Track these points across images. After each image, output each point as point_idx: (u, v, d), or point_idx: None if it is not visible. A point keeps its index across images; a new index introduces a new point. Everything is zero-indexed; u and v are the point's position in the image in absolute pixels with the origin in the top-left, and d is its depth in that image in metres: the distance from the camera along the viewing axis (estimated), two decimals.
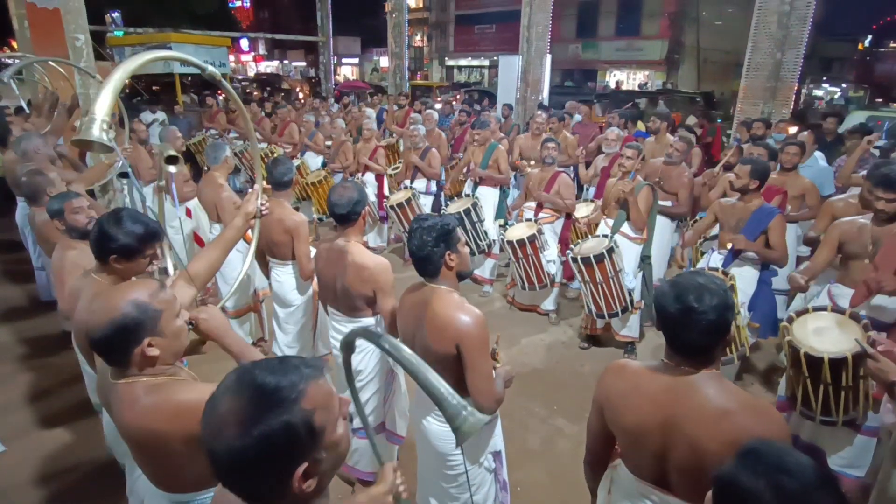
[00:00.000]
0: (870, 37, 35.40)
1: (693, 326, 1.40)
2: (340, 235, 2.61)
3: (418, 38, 35.53)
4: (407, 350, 1.11)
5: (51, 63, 5.06)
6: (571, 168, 6.54)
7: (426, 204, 5.95)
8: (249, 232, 2.36)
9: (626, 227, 4.23)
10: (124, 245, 1.98)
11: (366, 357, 2.60)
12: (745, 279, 3.59)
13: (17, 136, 4.49)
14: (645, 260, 4.36)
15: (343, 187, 2.55)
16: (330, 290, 2.66)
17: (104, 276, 2.06)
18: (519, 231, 4.65)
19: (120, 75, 1.54)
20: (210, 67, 1.78)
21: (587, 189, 6.12)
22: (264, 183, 2.51)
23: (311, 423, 0.85)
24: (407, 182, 6.03)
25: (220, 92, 12.93)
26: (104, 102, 1.46)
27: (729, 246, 3.59)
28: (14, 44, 21.48)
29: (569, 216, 4.96)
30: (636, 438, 1.53)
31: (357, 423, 2.61)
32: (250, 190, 2.24)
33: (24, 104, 6.06)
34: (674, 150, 4.75)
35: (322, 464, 0.88)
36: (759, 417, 1.37)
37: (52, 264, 2.74)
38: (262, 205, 2.18)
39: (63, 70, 5.09)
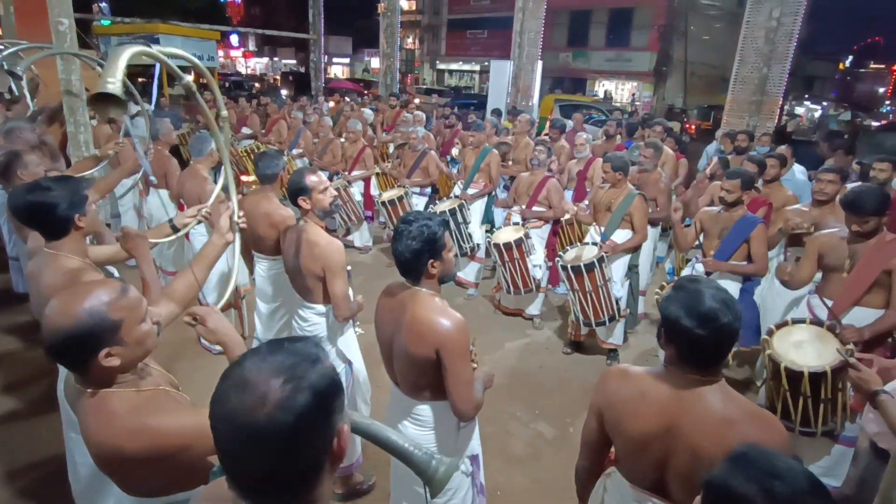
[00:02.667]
0: (851, 57, 36.30)
1: (710, 338, 1.37)
2: (302, 217, 2.70)
3: (410, 40, 35.58)
4: (357, 416, 1.08)
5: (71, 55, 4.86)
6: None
7: (418, 204, 5.94)
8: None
9: (616, 236, 4.24)
10: (76, 198, 1.98)
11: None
12: (727, 287, 3.63)
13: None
14: (632, 269, 4.39)
15: (296, 172, 2.70)
16: (290, 271, 2.75)
17: (63, 248, 2.01)
18: (506, 234, 4.65)
19: (128, 53, 1.59)
20: (188, 78, 1.81)
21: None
22: (252, 175, 2.50)
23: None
24: (406, 182, 5.99)
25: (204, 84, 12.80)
26: (115, 66, 1.58)
27: (711, 253, 3.65)
28: None
29: (557, 222, 4.97)
30: (639, 445, 1.51)
31: None
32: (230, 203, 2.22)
33: (14, 87, 5.89)
34: (643, 157, 4.81)
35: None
36: (762, 427, 1.37)
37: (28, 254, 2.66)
38: (238, 217, 2.15)
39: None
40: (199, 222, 2.64)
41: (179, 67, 2.07)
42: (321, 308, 2.70)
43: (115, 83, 1.57)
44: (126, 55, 1.64)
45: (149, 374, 1.46)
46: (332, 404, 0.81)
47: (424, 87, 27.23)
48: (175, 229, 2.62)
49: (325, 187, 2.64)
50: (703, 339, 1.37)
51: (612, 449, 1.69)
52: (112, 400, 1.32)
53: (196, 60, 1.83)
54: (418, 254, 1.82)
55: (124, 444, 1.29)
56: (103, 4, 18.75)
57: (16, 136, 3.84)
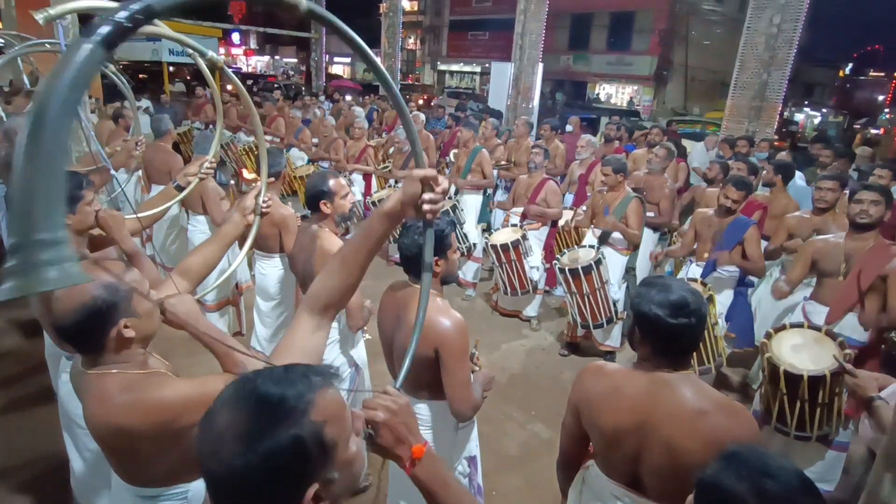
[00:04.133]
0: (850, 64, 36.40)
1: (683, 334, 1.45)
2: (314, 221, 2.68)
3: (411, 40, 35.59)
4: None
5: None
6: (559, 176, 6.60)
7: None
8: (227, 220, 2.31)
9: (613, 238, 4.26)
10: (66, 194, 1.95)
11: (328, 347, 2.58)
12: (722, 291, 3.67)
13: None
14: (630, 272, 4.40)
15: (317, 175, 2.66)
16: (300, 273, 2.71)
17: None
18: (503, 236, 4.67)
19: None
20: (210, 52, 1.75)
21: (564, 196, 6.19)
22: (258, 176, 2.47)
23: (322, 436, 0.74)
24: (393, 182, 6.02)
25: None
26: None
27: (705, 256, 3.67)
28: None
29: (554, 224, 4.99)
30: (613, 439, 1.55)
31: None
32: (255, 185, 2.17)
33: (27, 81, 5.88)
34: (654, 156, 4.83)
35: (335, 485, 0.77)
36: (732, 417, 1.42)
37: None
38: (263, 201, 2.13)
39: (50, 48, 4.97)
40: (202, 179, 2.60)
41: (179, 64, 2.05)
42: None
43: (43, 18, 1.38)
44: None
45: (150, 359, 1.47)
46: (290, 469, 0.72)
47: (452, 88, 27.27)
48: (180, 189, 2.58)
49: (346, 192, 2.65)
50: (675, 328, 1.44)
51: (591, 444, 1.73)
52: (115, 379, 1.33)
53: (214, 55, 1.76)
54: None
55: (124, 420, 1.30)
56: None
57: (13, 134, 3.83)
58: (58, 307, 1.26)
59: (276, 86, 17.98)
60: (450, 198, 5.62)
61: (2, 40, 5.03)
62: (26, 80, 5.31)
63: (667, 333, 1.46)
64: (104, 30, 0.65)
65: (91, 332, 1.30)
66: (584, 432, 1.67)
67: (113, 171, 2.46)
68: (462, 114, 9.20)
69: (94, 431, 1.38)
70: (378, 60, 1.13)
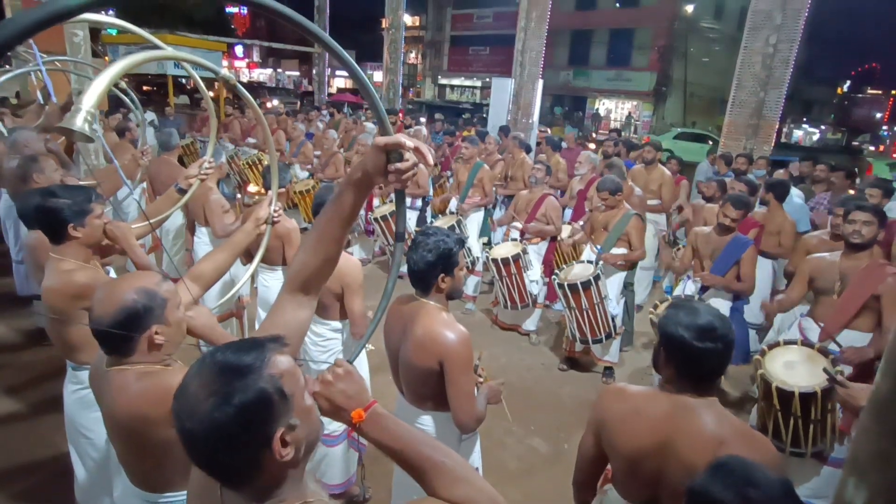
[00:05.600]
0: (848, 82, 36.78)
1: (709, 358, 1.45)
2: None
3: (413, 55, 35.97)
4: None
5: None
6: (559, 191, 6.68)
7: (411, 218, 6.01)
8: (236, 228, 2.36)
9: (612, 254, 4.31)
10: (75, 208, 2.04)
11: (331, 358, 2.63)
12: (718, 307, 3.70)
13: (7, 128, 4.44)
14: (628, 287, 4.45)
15: (325, 187, 2.76)
16: None
17: (65, 253, 2.08)
18: (504, 250, 4.72)
19: (117, 70, 1.53)
20: (223, 71, 1.80)
21: (564, 210, 6.26)
22: (262, 189, 2.52)
23: (281, 387, 0.88)
24: (393, 196, 6.09)
25: (214, 96, 12.87)
26: (93, 94, 1.44)
27: (701, 273, 3.72)
28: None
29: (554, 238, 5.05)
30: (633, 462, 1.55)
31: (325, 429, 2.64)
32: (267, 195, 2.24)
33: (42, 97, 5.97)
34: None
35: (297, 430, 0.90)
36: (753, 448, 1.42)
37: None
38: (274, 211, 2.19)
39: (60, 66, 5.07)
40: (203, 180, 2.66)
41: (184, 77, 2.11)
42: (337, 324, 2.75)
43: (81, 119, 1.31)
44: (112, 75, 1.39)
45: (174, 362, 1.54)
46: (258, 415, 0.85)
47: (452, 102, 27.49)
48: (182, 192, 2.64)
49: None
50: (702, 352, 1.44)
51: (609, 466, 1.73)
52: (135, 371, 1.41)
53: (227, 73, 1.82)
54: (432, 266, 1.90)
55: (141, 406, 1.36)
56: (111, 12, 18.92)
57: (21, 146, 3.89)
58: (98, 307, 1.36)
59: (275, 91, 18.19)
60: (452, 213, 5.69)
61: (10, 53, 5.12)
62: (39, 96, 5.40)
63: (693, 357, 1.46)
64: None
65: (127, 331, 1.37)
66: (603, 453, 1.67)
67: (127, 182, 2.53)
68: (467, 129, 9.31)
69: (114, 427, 1.44)
70: (338, 46, 1.13)
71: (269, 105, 11.08)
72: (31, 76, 5.27)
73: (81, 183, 3.40)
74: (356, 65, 1.15)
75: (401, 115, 10.22)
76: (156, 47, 2.11)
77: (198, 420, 0.84)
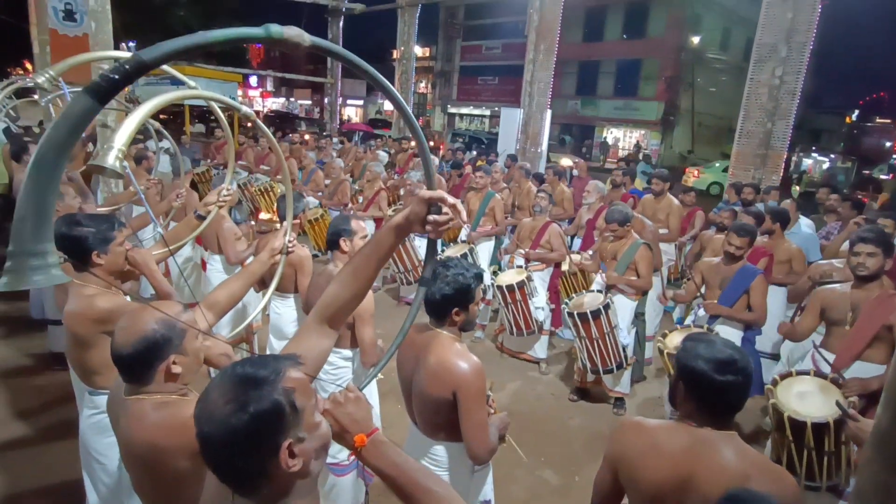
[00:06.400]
0: (856, 111, 36.90)
1: (730, 391, 1.45)
2: (332, 260, 2.81)
3: (423, 84, 36.61)
4: None
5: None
6: (567, 220, 6.72)
7: (420, 245, 6.05)
8: (250, 255, 2.41)
9: (617, 275, 4.31)
10: (98, 236, 2.09)
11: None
12: (729, 337, 3.67)
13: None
14: (639, 316, 4.43)
15: (340, 217, 2.82)
16: None
17: (88, 279, 2.12)
18: (509, 277, 4.75)
19: (147, 110, 1.61)
20: (244, 108, 1.88)
21: (572, 239, 6.28)
22: (274, 215, 2.58)
23: (293, 400, 0.95)
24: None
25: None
26: (125, 133, 1.50)
27: (707, 302, 3.72)
28: (29, 65, 21.94)
29: (558, 265, 5.07)
30: (653, 497, 1.53)
31: (335, 458, 2.63)
32: (276, 226, 2.32)
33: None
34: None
35: (305, 444, 0.96)
36: (775, 483, 1.41)
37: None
38: (289, 242, 2.24)
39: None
40: (221, 207, 2.73)
41: (199, 107, 2.18)
42: (348, 353, 2.77)
43: (113, 157, 1.36)
44: (143, 114, 1.43)
45: (190, 394, 1.56)
46: (270, 424, 0.92)
47: (461, 131, 27.80)
48: (201, 218, 2.71)
49: (365, 234, 2.79)
50: (724, 386, 1.44)
51: (627, 501, 1.70)
52: (152, 401, 1.43)
53: (248, 110, 1.89)
54: (447, 299, 1.92)
55: (157, 437, 1.37)
56: (131, 45, 19.58)
57: None
58: (120, 335, 1.40)
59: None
60: (464, 241, 5.73)
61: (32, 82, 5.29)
62: None
63: (713, 391, 1.45)
64: (96, 85, 0.77)
65: (144, 361, 1.41)
66: (620, 488, 1.65)
67: (150, 212, 2.63)
68: (480, 159, 9.44)
69: (129, 455, 1.45)
70: (392, 86, 1.22)
71: (306, 137, 11.28)
72: (52, 106, 5.45)
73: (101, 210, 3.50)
74: (414, 119, 1.27)
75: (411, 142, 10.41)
76: (177, 80, 2.21)
77: (215, 424, 0.91)
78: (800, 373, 2.71)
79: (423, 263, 5.50)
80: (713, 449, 1.46)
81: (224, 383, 0.95)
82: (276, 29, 0.92)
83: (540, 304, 4.78)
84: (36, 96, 5.07)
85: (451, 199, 1.19)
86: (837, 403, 2.26)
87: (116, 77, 0.78)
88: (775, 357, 4.34)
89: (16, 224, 0.79)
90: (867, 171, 25.10)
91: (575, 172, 8.97)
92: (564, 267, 5.00)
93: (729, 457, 1.44)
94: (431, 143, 16.73)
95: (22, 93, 4.72)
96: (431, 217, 1.20)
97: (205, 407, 0.94)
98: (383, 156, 9.14)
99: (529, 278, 4.68)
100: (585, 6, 25.84)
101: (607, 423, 4.16)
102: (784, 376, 2.70)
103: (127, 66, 0.79)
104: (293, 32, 0.95)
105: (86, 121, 0.79)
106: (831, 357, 3.04)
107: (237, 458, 0.91)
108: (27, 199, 0.78)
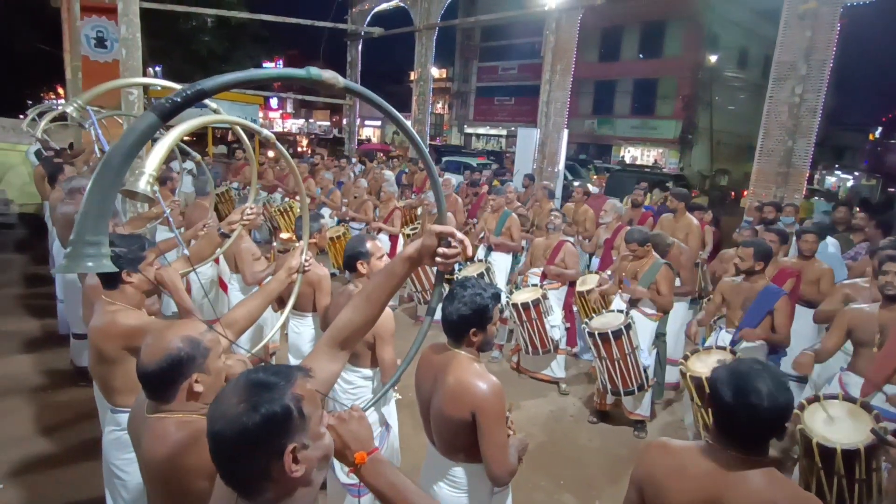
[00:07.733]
0: (880, 128, 36.31)
1: (757, 420, 1.41)
2: (351, 280, 2.81)
3: (440, 105, 37.07)
4: None
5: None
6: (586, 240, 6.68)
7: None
8: (268, 276, 2.44)
9: (642, 304, 4.27)
10: (130, 256, 2.14)
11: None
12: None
13: (66, 177, 4.73)
14: (660, 337, 4.37)
15: (356, 238, 2.84)
16: None
17: (116, 297, 2.17)
18: (524, 295, 4.72)
19: (176, 135, 1.67)
20: (265, 131, 1.93)
21: (591, 258, 6.23)
22: (294, 235, 2.63)
23: (302, 406, 1.00)
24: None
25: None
26: (155, 158, 1.55)
27: (736, 323, 3.64)
28: (61, 90, 22.70)
29: (573, 284, 5.03)
30: None
31: (347, 478, 2.61)
32: (295, 245, 2.35)
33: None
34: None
35: (308, 451, 1.01)
36: None
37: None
38: (305, 261, 2.27)
39: (120, 120, 5.41)
40: (245, 225, 2.77)
41: (221, 129, 2.24)
42: (368, 372, 2.77)
43: (145, 181, 1.36)
44: (173, 139, 1.46)
45: None
46: (277, 426, 0.97)
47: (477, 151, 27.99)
48: (225, 236, 2.75)
49: (382, 254, 2.80)
50: (748, 420, 1.41)
51: None
52: (174, 420, 1.44)
53: (268, 133, 1.94)
54: (465, 320, 1.92)
55: (179, 457, 1.38)
56: (157, 69, 20.21)
57: (76, 193, 4.13)
58: (146, 353, 1.43)
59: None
60: (480, 260, 5.74)
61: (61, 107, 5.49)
62: (96, 148, 5.78)
63: (741, 421, 1.43)
64: (161, 105, 0.90)
65: (168, 379, 1.43)
66: None
67: (176, 233, 2.69)
68: (496, 180, 9.50)
69: (149, 473, 1.45)
70: (409, 124, 1.31)
71: (341, 161, 11.50)
72: (86, 128, 5.64)
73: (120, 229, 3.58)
74: (430, 158, 1.38)
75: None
76: (200, 105, 2.27)
77: (226, 422, 0.96)
78: (827, 397, 2.63)
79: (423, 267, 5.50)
80: (743, 476, 1.43)
81: (239, 387, 1.00)
82: (315, 71, 1.06)
83: (555, 322, 4.75)
84: (68, 120, 5.24)
85: (459, 235, 1.28)
86: (874, 431, 2.19)
87: (178, 101, 0.90)
88: (802, 380, 4.23)
89: (80, 217, 0.89)
90: (893, 189, 24.60)
91: (594, 190, 8.96)
92: (580, 287, 4.97)
93: (757, 482, 1.41)
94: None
95: (53, 117, 4.90)
96: (441, 250, 1.28)
97: (219, 406, 0.99)
98: (389, 174, 9.23)
99: (545, 296, 4.65)
100: (601, 26, 26.00)
101: (627, 446, 4.08)
102: (811, 401, 2.63)
103: (188, 93, 0.90)
104: (329, 75, 1.09)
105: (149, 134, 0.90)
106: (860, 380, 2.96)
107: (244, 457, 0.96)
108: (91, 196, 0.89)
